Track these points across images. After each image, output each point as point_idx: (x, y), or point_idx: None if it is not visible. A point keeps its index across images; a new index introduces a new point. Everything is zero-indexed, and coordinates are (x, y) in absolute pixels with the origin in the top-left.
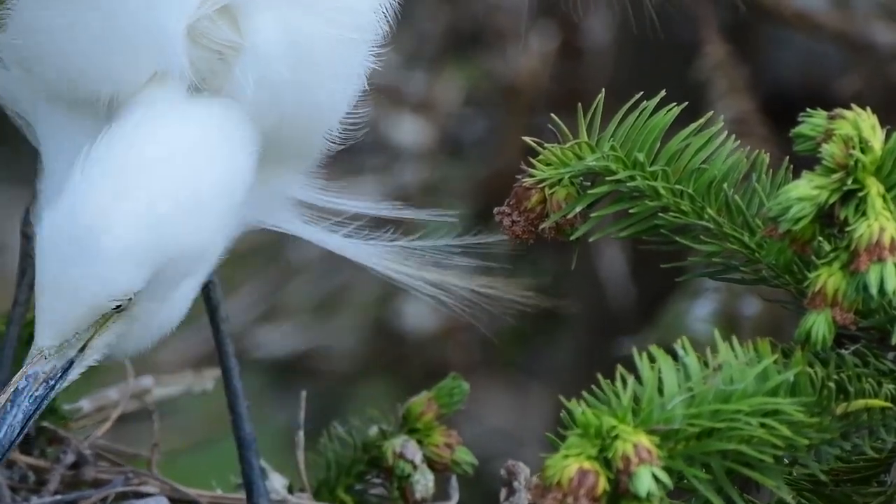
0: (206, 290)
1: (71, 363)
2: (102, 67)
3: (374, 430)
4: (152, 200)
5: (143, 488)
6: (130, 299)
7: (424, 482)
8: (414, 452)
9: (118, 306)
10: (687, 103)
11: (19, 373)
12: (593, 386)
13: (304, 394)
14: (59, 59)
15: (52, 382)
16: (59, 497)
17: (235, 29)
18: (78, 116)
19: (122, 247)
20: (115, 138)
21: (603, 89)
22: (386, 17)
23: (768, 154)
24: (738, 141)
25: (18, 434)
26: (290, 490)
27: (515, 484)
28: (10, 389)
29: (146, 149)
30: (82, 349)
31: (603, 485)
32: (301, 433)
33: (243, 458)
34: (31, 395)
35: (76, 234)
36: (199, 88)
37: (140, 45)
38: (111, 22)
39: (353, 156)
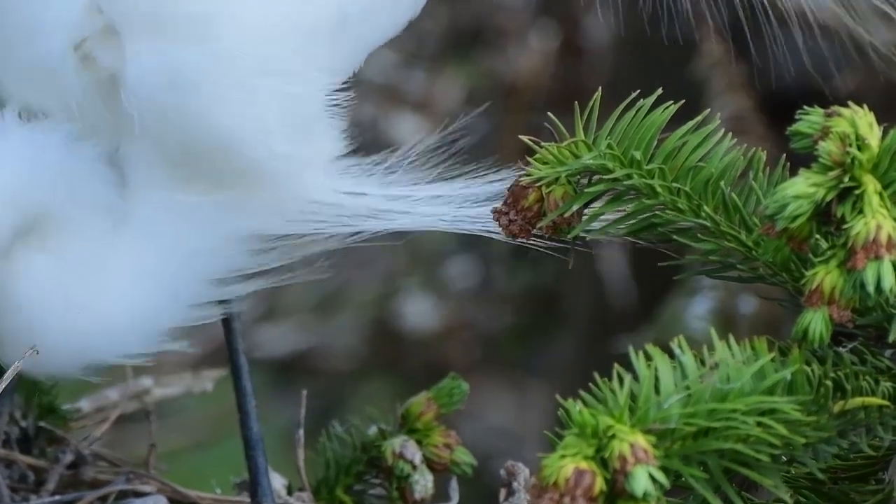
0: None
1: None
2: None
3: (373, 430)
4: None
5: (142, 488)
6: None
7: (424, 482)
8: (413, 453)
9: None
10: (684, 101)
11: None
12: (591, 385)
13: (304, 393)
14: None
15: None
16: (57, 497)
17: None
18: None
19: None
20: None
21: (600, 88)
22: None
23: (765, 152)
24: (737, 139)
25: None
26: (290, 490)
27: (515, 484)
28: None
29: None
30: None
31: (600, 485)
32: (301, 432)
33: (250, 457)
34: None
35: None
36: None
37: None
38: None
39: (352, 155)
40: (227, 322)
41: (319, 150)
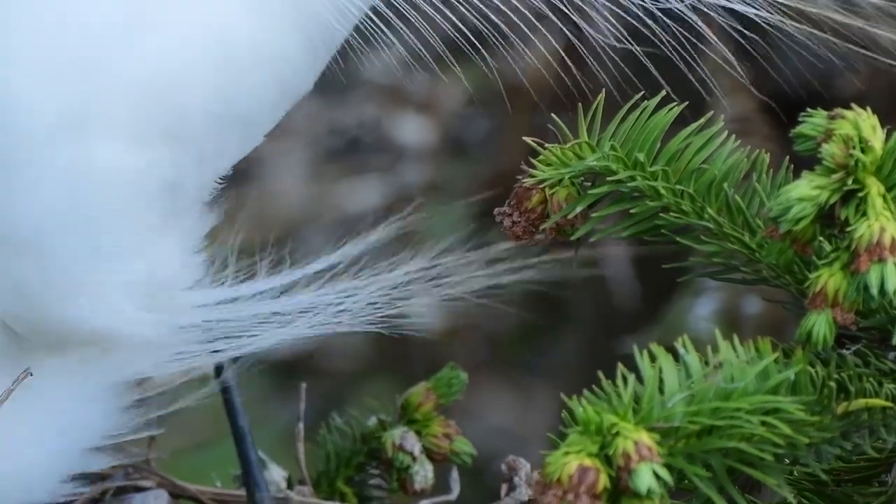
0: None
1: None
2: None
3: (372, 422)
4: None
5: (142, 483)
6: None
7: (424, 473)
8: (413, 444)
9: None
10: (688, 103)
11: None
12: (594, 384)
13: (303, 385)
14: None
15: None
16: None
17: None
18: None
19: None
20: None
21: (603, 90)
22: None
23: (771, 153)
24: (742, 140)
25: None
26: (290, 482)
27: (516, 479)
28: None
29: None
30: None
31: (603, 482)
32: (301, 425)
33: (240, 451)
34: None
35: None
36: None
37: None
38: None
39: (356, 156)
40: None
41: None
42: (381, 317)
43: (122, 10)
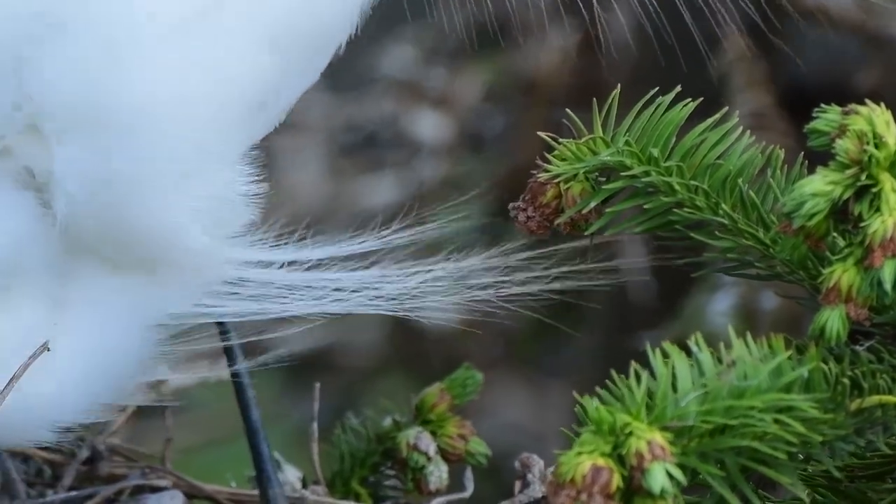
0: None
1: None
2: None
3: (387, 422)
4: None
5: (158, 483)
6: None
7: (438, 473)
8: (428, 444)
9: None
10: (702, 98)
11: None
12: (608, 382)
13: (317, 385)
14: None
15: None
16: (74, 493)
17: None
18: None
19: None
20: None
21: (619, 85)
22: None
23: (786, 149)
24: (758, 135)
25: None
26: (305, 483)
27: (529, 476)
28: None
29: None
30: None
31: (617, 481)
32: (315, 424)
33: (253, 446)
34: None
35: None
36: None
37: None
38: None
39: (372, 151)
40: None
41: (233, 233)
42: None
43: None
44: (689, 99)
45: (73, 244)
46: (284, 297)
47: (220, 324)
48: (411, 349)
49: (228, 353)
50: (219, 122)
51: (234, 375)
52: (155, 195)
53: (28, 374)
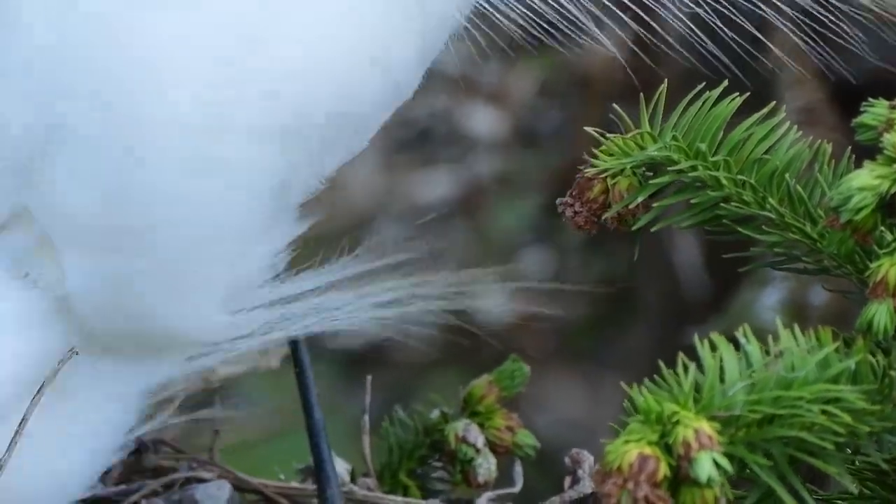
0: None
1: None
2: None
3: (435, 414)
4: None
5: (205, 475)
6: None
7: (487, 466)
8: (476, 436)
9: None
10: (750, 94)
11: None
12: (656, 374)
13: (369, 378)
14: None
15: None
16: (123, 486)
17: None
18: None
19: None
20: None
21: (666, 80)
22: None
23: (835, 143)
24: (808, 130)
25: None
26: (353, 475)
27: (580, 472)
28: None
29: None
30: None
31: (664, 470)
32: (366, 417)
33: (314, 445)
34: None
35: None
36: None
37: None
38: None
39: (426, 147)
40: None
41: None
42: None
43: (256, 13)
44: (737, 94)
45: (82, 340)
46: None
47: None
48: (464, 344)
49: (295, 353)
50: (233, 219)
51: (299, 376)
52: (176, 300)
53: (41, 459)
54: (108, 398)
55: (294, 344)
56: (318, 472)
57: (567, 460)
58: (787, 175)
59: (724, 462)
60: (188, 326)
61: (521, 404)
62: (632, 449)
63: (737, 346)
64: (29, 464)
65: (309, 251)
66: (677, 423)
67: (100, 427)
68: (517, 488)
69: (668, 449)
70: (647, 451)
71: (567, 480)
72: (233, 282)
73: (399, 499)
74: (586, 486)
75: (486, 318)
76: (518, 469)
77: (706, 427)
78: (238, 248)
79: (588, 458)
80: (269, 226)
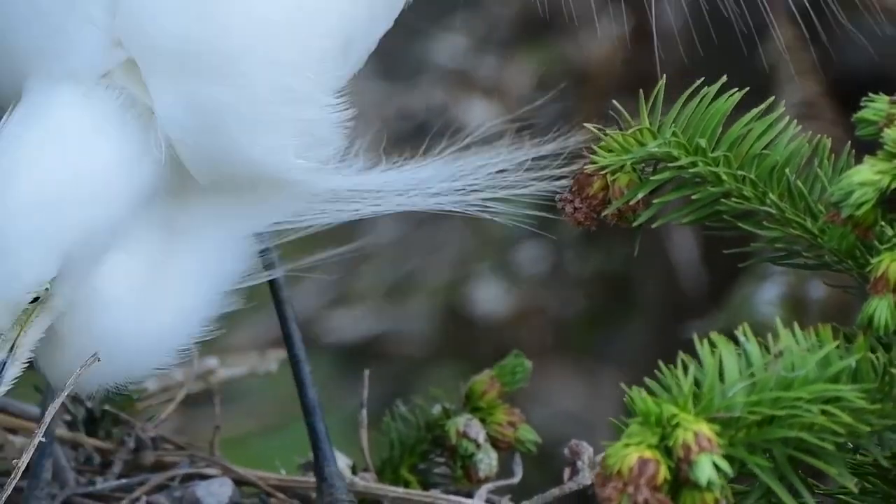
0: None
1: (3, 365)
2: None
3: (437, 409)
4: (39, 187)
5: (207, 471)
6: (47, 289)
7: (488, 461)
8: (477, 431)
9: (35, 298)
10: (749, 89)
11: None
12: (656, 373)
13: (367, 372)
14: None
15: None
16: (124, 480)
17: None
18: None
19: (22, 237)
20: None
21: (664, 76)
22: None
23: (834, 138)
24: (806, 124)
25: None
26: (354, 470)
27: (579, 463)
28: None
29: (25, 136)
30: (11, 349)
31: (664, 473)
32: (364, 412)
33: (309, 424)
34: None
35: None
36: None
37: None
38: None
39: (423, 139)
40: (274, 289)
41: (325, 156)
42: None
43: None
44: (736, 89)
45: (176, 172)
46: (372, 200)
47: (279, 306)
48: (462, 338)
49: (286, 330)
50: (311, 54)
51: (292, 355)
52: (257, 132)
53: (146, 307)
54: (220, 240)
55: (283, 320)
56: (316, 451)
57: (566, 452)
58: (787, 170)
59: (724, 464)
60: (269, 161)
61: (519, 398)
62: (632, 452)
63: (736, 343)
64: (157, 300)
65: (305, 248)
66: (677, 425)
67: (214, 266)
68: (516, 480)
69: (668, 451)
70: (648, 454)
71: (566, 472)
72: (303, 127)
73: (399, 489)
74: (585, 478)
75: (484, 313)
76: (517, 461)
77: (706, 429)
78: (308, 90)
79: (587, 450)
80: (333, 76)
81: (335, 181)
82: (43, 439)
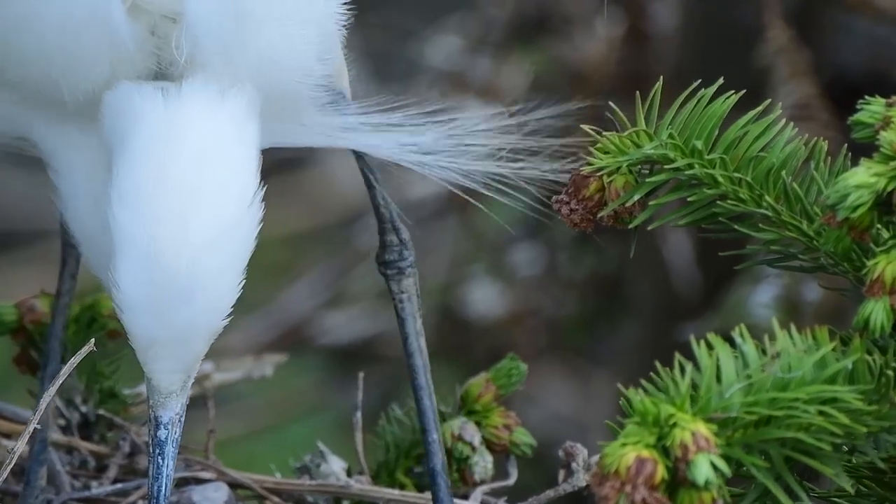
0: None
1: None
2: (60, 57)
3: None
4: (215, 215)
5: (202, 475)
6: None
7: (483, 464)
8: (472, 434)
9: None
10: (745, 90)
11: (150, 421)
12: (652, 374)
13: (361, 375)
14: (22, 57)
15: (182, 419)
16: (119, 485)
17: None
18: (74, 128)
19: (215, 270)
20: (136, 163)
21: (661, 77)
22: None
23: (830, 140)
24: (801, 126)
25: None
26: (349, 473)
27: (573, 465)
28: (154, 444)
29: (175, 164)
30: None
31: (661, 473)
32: (359, 415)
33: (417, 399)
34: (174, 440)
35: (168, 282)
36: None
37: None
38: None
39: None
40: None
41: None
42: None
43: None
44: (732, 91)
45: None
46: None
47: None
48: (457, 339)
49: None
50: None
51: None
52: (282, 35)
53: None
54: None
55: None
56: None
57: (561, 453)
58: (783, 172)
59: (722, 464)
60: (295, 67)
61: (513, 399)
62: (629, 452)
63: (732, 344)
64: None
65: (299, 248)
66: (674, 425)
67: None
68: (511, 482)
69: (665, 451)
70: (645, 453)
71: (561, 473)
72: (326, 42)
73: (395, 492)
74: (580, 480)
75: (478, 314)
76: (512, 463)
77: (703, 429)
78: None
79: (582, 452)
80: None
81: (340, 116)
82: (37, 426)
